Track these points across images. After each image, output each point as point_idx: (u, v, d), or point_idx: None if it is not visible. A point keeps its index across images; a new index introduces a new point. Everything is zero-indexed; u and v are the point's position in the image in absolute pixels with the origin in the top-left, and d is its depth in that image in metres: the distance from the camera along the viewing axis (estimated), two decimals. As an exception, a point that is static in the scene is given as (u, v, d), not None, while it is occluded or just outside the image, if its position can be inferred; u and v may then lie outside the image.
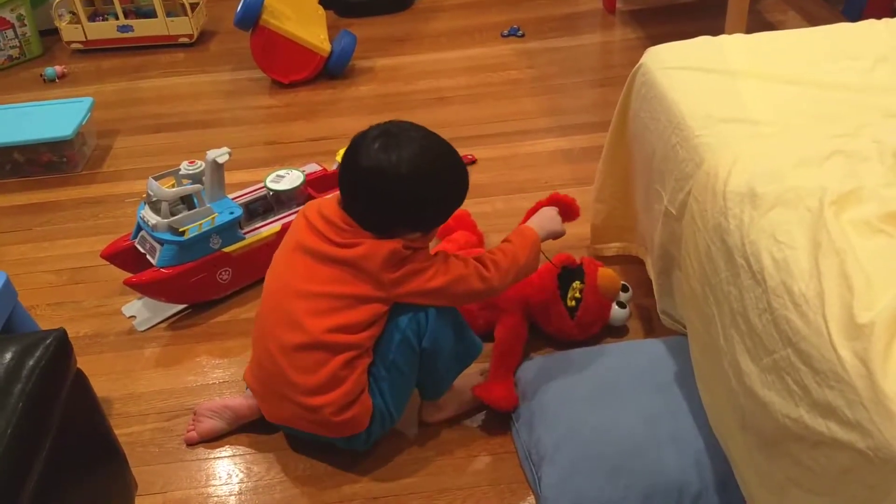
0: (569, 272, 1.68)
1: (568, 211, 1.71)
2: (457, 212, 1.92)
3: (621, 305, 1.66)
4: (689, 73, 1.47)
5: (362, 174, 1.31)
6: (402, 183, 1.29)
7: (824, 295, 0.97)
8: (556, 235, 1.56)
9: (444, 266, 1.36)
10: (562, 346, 1.65)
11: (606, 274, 1.65)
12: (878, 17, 1.59)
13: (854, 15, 2.49)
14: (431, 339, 1.39)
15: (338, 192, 1.38)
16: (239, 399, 1.54)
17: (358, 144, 1.32)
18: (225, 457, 1.51)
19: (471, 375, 1.56)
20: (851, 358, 0.90)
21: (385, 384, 1.40)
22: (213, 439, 1.53)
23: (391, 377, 1.40)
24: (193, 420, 1.55)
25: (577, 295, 1.62)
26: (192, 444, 1.53)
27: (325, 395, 1.35)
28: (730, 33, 1.62)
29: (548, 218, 1.56)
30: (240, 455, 1.51)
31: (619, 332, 1.69)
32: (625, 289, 1.69)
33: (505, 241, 1.49)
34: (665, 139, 1.42)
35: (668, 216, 1.42)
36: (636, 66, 1.58)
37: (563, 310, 1.63)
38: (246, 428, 1.54)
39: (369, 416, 1.40)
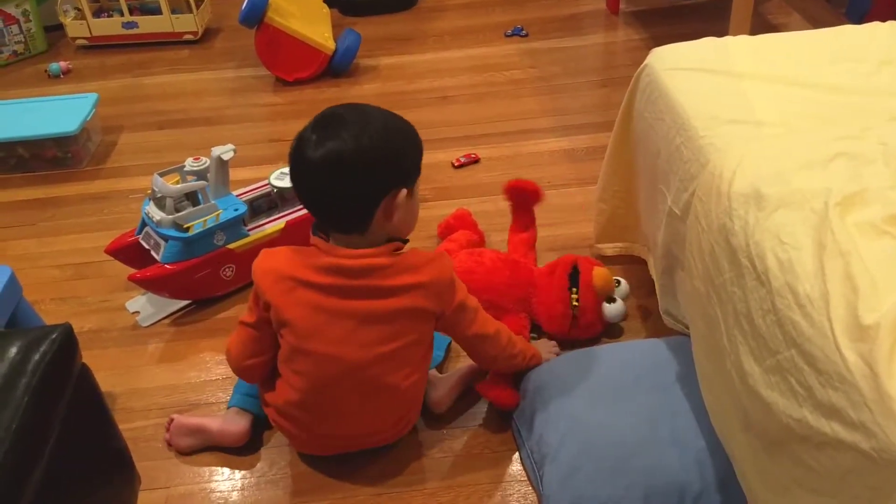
0: (577, 273, 1.68)
1: (526, 194, 1.79)
2: (458, 211, 1.95)
3: (611, 300, 1.66)
4: (694, 75, 1.47)
5: (322, 165, 1.22)
6: (364, 143, 1.23)
7: (829, 296, 0.97)
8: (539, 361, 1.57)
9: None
10: (564, 346, 1.66)
11: (600, 273, 1.65)
12: (882, 20, 1.59)
13: (857, 17, 2.49)
14: None
15: (280, 249, 1.34)
16: (219, 423, 1.50)
17: (301, 149, 1.25)
18: (228, 452, 1.51)
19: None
20: (856, 359, 0.90)
21: None
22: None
23: None
24: (168, 432, 1.52)
25: (575, 303, 1.63)
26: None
27: (410, 413, 1.45)
28: (734, 35, 1.62)
29: (545, 348, 1.61)
30: (244, 450, 1.51)
31: (620, 331, 1.70)
32: (616, 282, 1.68)
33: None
34: (669, 140, 1.43)
35: (672, 216, 1.42)
36: (641, 66, 1.59)
37: (566, 311, 1.63)
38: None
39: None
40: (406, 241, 1.35)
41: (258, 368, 1.41)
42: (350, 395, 1.35)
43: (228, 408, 1.53)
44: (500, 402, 1.51)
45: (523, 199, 1.81)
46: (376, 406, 1.38)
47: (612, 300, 1.66)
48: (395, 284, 1.29)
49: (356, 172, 1.23)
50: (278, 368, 1.39)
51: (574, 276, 1.66)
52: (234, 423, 1.49)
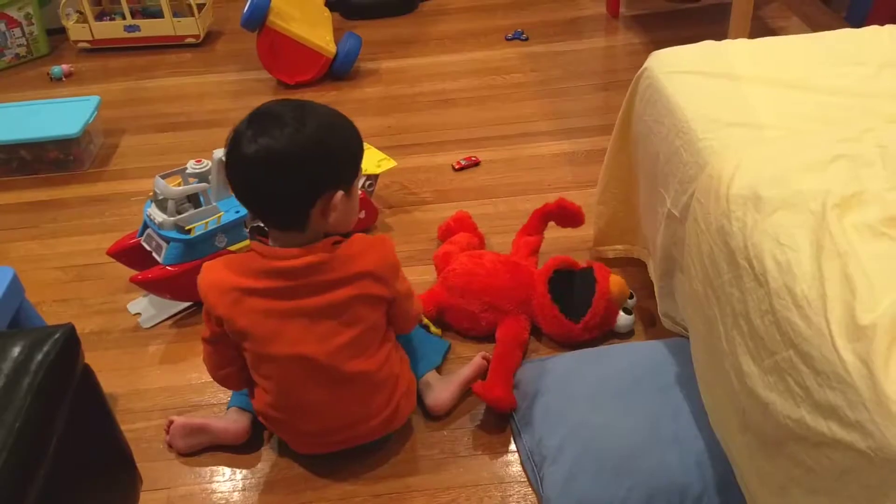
0: (570, 275, 1.69)
1: (572, 218, 1.73)
2: (457, 213, 1.96)
3: (627, 311, 1.67)
4: (694, 77, 1.48)
5: (255, 161, 1.21)
6: (297, 142, 1.21)
7: (826, 297, 0.98)
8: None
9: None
10: (563, 348, 1.66)
11: (617, 281, 1.66)
12: (881, 24, 1.60)
13: (857, 21, 2.49)
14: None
15: (219, 260, 1.33)
16: (220, 423, 1.51)
17: (236, 143, 1.23)
18: (230, 452, 1.51)
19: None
20: (853, 359, 0.91)
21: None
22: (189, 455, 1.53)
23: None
24: (168, 433, 1.53)
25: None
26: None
27: (393, 399, 1.42)
28: (733, 38, 1.63)
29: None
30: (245, 451, 1.51)
31: (624, 337, 1.70)
32: (630, 295, 1.70)
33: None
34: (669, 142, 1.43)
35: (671, 219, 1.43)
36: (640, 69, 1.59)
37: (558, 312, 1.63)
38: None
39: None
40: (347, 235, 1.34)
41: (233, 377, 1.43)
42: (320, 390, 1.35)
43: (228, 408, 1.54)
44: (497, 405, 1.51)
45: (564, 219, 1.81)
46: (351, 394, 1.37)
47: (628, 311, 1.67)
48: (338, 277, 1.29)
49: (289, 171, 1.22)
50: (251, 375, 1.40)
51: (569, 279, 1.67)
52: (235, 422, 1.50)
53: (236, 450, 1.51)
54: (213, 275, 1.33)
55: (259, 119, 1.24)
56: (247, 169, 1.23)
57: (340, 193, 1.26)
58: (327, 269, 1.29)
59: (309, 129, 1.22)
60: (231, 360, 1.40)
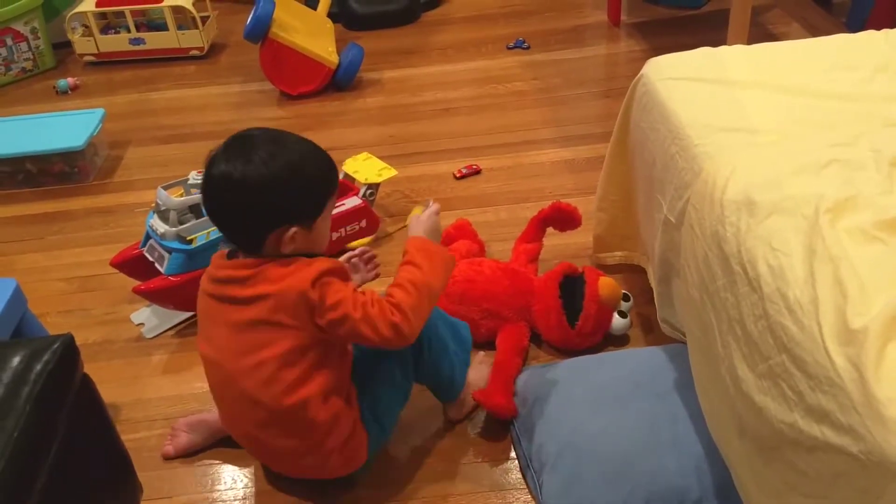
0: (571, 281, 1.69)
1: (569, 220, 1.73)
2: (458, 221, 1.97)
3: (622, 315, 1.67)
4: (689, 84, 1.49)
5: (214, 183, 1.24)
6: (251, 176, 1.21)
7: (818, 301, 0.98)
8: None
9: (351, 312, 1.23)
10: (563, 355, 1.67)
11: (607, 283, 1.66)
12: (880, 29, 1.60)
13: (857, 26, 2.50)
14: (429, 347, 1.40)
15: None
16: (215, 414, 1.52)
17: (209, 161, 1.26)
18: (230, 462, 1.52)
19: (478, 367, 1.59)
20: (844, 363, 0.91)
21: (379, 405, 1.39)
22: (189, 455, 1.53)
23: (385, 397, 1.39)
24: (171, 435, 1.55)
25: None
26: (168, 458, 1.53)
27: (322, 448, 1.32)
28: (732, 45, 1.64)
29: (433, 229, 1.41)
30: (245, 460, 1.52)
31: (619, 340, 1.70)
32: (626, 298, 1.70)
33: (408, 263, 1.32)
34: (665, 148, 1.44)
35: (668, 224, 1.43)
36: (637, 76, 1.60)
37: (564, 319, 1.64)
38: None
39: (366, 445, 1.37)
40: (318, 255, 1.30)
41: None
42: (238, 413, 1.34)
43: None
44: (498, 412, 1.51)
45: (561, 221, 1.82)
46: (278, 427, 1.30)
47: (623, 314, 1.67)
48: (247, 295, 1.25)
49: (240, 201, 1.23)
50: None
51: (569, 285, 1.67)
52: None
53: (237, 459, 1.52)
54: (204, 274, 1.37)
55: (234, 143, 1.26)
56: (207, 187, 1.26)
57: (294, 230, 1.24)
58: (243, 286, 1.26)
59: (274, 165, 1.22)
60: None
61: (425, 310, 1.30)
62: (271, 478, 1.49)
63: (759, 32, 2.80)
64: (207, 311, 1.34)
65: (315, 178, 1.28)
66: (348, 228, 1.98)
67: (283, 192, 1.24)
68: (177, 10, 3.04)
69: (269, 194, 1.23)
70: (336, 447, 1.33)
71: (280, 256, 1.26)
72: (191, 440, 1.53)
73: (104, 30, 3.13)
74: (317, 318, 1.23)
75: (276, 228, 1.24)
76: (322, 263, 1.25)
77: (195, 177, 1.80)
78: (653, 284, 1.62)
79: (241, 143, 1.25)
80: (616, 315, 1.66)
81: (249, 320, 1.26)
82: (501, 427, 1.54)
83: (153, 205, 1.82)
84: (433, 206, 1.45)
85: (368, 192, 2.04)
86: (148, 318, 1.87)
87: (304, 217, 1.27)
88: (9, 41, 3.01)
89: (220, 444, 1.54)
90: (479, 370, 1.60)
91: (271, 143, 1.25)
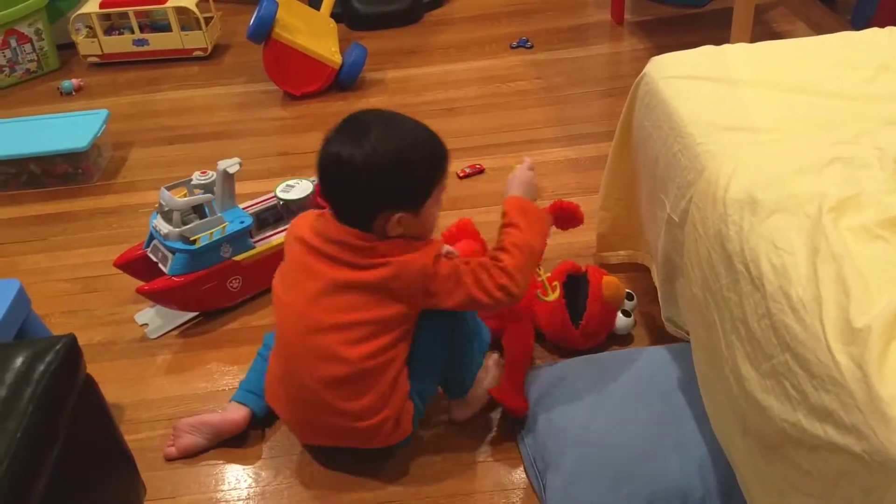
0: (574, 280, 1.69)
1: (571, 218, 1.72)
2: (460, 221, 1.96)
3: (626, 314, 1.67)
4: (692, 82, 1.48)
5: (325, 164, 1.29)
6: (358, 160, 1.25)
7: (821, 300, 0.97)
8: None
9: (464, 279, 1.32)
10: (567, 354, 1.66)
11: (611, 282, 1.66)
12: (884, 27, 1.59)
13: (862, 24, 2.48)
14: (453, 338, 1.42)
15: (322, 210, 1.37)
16: (219, 415, 1.54)
17: (324, 141, 1.31)
18: (234, 462, 1.52)
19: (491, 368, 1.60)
20: (847, 362, 0.91)
21: (420, 384, 1.42)
22: (192, 455, 1.53)
23: (425, 374, 1.43)
24: (173, 435, 1.55)
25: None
26: (170, 459, 1.53)
27: (379, 415, 1.36)
28: (735, 43, 1.63)
29: (527, 184, 1.47)
30: (248, 460, 1.52)
31: (623, 339, 1.70)
32: (629, 297, 1.69)
33: (509, 225, 1.38)
34: (667, 147, 1.44)
35: (671, 223, 1.43)
36: (639, 75, 1.60)
37: (568, 318, 1.64)
38: (253, 434, 1.56)
39: (412, 417, 1.43)
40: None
41: None
42: (308, 365, 1.35)
43: (230, 402, 1.56)
44: (513, 411, 1.52)
45: (564, 220, 1.81)
46: (347, 386, 1.34)
47: (627, 313, 1.66)
48: (365, 262, 1.29)
49: (348, 183, 1.29)
50: None
51: (573, 284, 1.67)
52: (233, 412, 1.53)
53: (240, 459, 1.52)
54: (298, 220, 1.43)
55: (347, 124, 1.30)
56: (320, 168, 1.31)
57: (399, 216, 1.29)
58: (365, 255, 1.29)
59: (381, 150, 1.26)
60: None
61: (529, 267, 1.38)
62: (275, 478, 1.49)
63: (763, 31, 2.79)
64: (304, 262, 1.35)
65: (422, 164, 1.31)
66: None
67: (388, 178, 1.27)
68: (180, 10, 3.04)
69: (373, 178, 1.26)
70: (392, 415, 1.38)
71: (388, 238, 1.30)
72: (193, 441, 1.53)
73: (108, 31, 3.13)
74: (431, 287, 1.30)
75: (382, 212, 1.28)
76: (440, 246, 1.34)
77: (198, 177, 1.81)
78: (657, 283, 1.61)
79: (354, 125, 1.29)
80: (620, 314, 1.66)
81: (359, 282, 1.30)
82: (506, 426, 1.54)
83: (157, 205, 1.82)
84: (527, 161, 1.51)
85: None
86: (151, 318, 1.88)
87: (410, 202, 1.30)
88: (13, 43, 3.01)
89: (222, 445, 1.54)
90: (490, 371, 1.59)
91: (383, 127, 1.28)
